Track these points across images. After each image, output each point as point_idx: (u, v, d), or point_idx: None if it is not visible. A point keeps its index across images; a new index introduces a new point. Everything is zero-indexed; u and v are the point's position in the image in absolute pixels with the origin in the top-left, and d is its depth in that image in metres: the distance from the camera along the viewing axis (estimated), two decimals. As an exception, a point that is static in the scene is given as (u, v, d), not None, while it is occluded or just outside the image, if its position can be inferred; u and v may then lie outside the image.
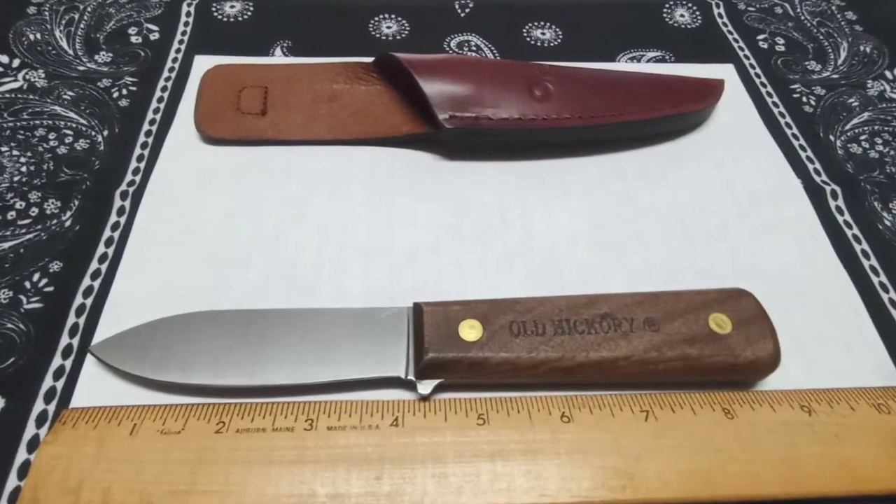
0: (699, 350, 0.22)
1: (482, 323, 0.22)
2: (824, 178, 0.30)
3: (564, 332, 0.22)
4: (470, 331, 0.22)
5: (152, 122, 0.30)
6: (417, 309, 0.23)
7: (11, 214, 0.26)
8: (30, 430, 0.21)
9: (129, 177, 0.28)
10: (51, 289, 0.24)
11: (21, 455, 0.20)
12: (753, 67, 0.36)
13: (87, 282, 0.24)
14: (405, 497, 0.19)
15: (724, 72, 0.35)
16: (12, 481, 0.20)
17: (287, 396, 0.21)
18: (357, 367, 0.22)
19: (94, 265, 0.25)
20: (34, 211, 0.27)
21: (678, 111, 0.31)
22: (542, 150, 0.30)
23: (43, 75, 0.32)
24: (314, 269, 0.25)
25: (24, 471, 0.20)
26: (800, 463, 0.20)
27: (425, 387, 0.21)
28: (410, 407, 0.21)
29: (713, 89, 0.32)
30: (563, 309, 0.22)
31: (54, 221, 0.26)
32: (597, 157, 0.30)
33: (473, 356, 0.21)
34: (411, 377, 0.21)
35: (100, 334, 0.23)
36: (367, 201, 0.28)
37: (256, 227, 0.27)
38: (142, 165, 0.29)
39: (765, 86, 0.35)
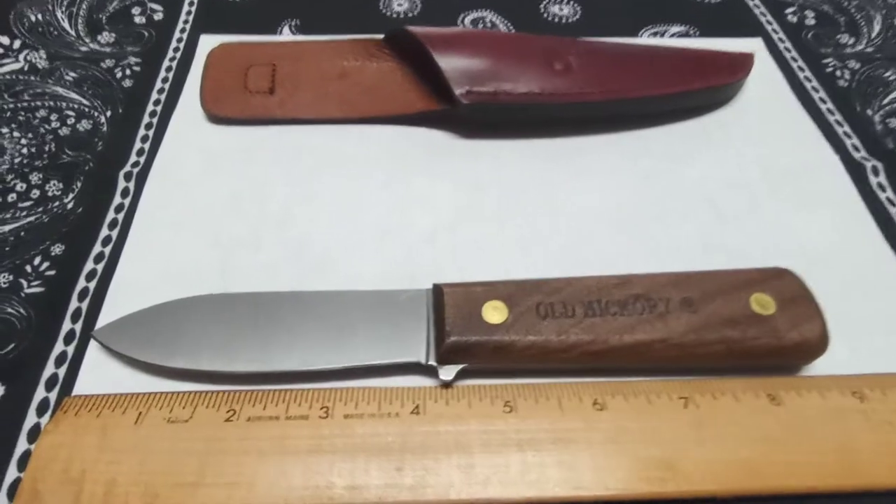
0: (741, 332, 0.20)
1: (507, 304, 0.20)
2: (864, 153, 0.29)
3: (595, 313, 0.20)
4: (494, 313, 0.20)
5: (157, 102, 0.29)
6: (437, 290, 0.21)
7: (12, 197, 0.25)
8: (30, 418, 0.20)
9: (133, 158, 0.27)
10: (52, 272, 0.23)
11: (21, 445, 0.19)
12: (783, 41, 0.34)
13: (90, 265, 0.23)
14: (428, 489, 0.18)
15: (752, 46, 0.33)
16: (12, 472, 0.19)
17: (301, 383, 0.20)
18: (375, 352, 0.20)
19: (97, 248, 0.24)
20: (35, 193, 0.25)
21: (706, 85, 0.29)
22: (562, 127, 0.29)
23: (44, 56, 0.31)
24: (326, 251, 0.24)
25: (24, 461, 0.19)
26: (853, 452, 0.19)
27: (447, 372, 0.20)
28: (432, 394, 0.20)
29: (743, 63, 0.31)
30: (594, 290, 0.21)
31: (56, 204, 0.25)
32: (620, 134, 0.29)
33: (499, 340, 0.20)
34: (432, 362, 0.20)
35: (103, 319, 0.22)
36: (381, 181, 0.27)
37: (265, 208, 0.25)
38: (146, 146, 0.28)
39: (795, 60, 0.33)
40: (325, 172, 0.27)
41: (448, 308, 0.20)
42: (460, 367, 0.20)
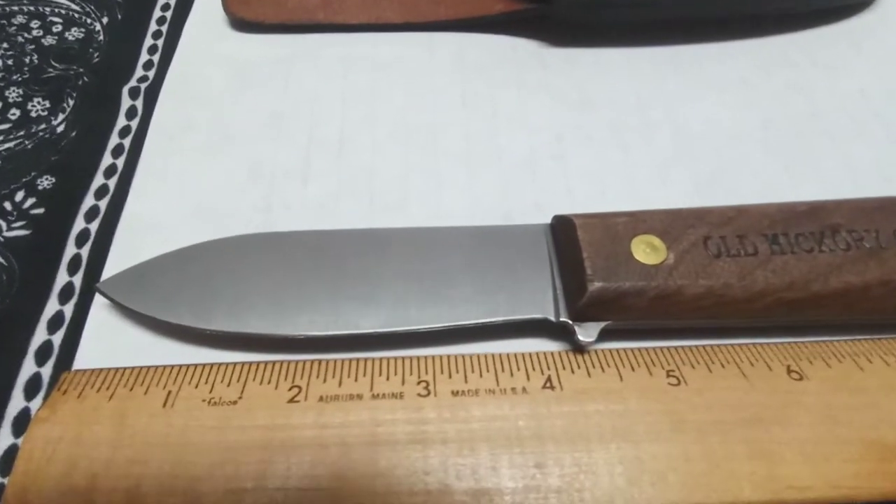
0: None
1: (664, 240, 0.15)
2: None
3: (784, 250, 0.15)
4: (648, 251, 0.15)
5: (165, 7, 0.23)
6: (563, 223, 0.16)
7: (-16, 118, 0.20)
8: (16, 402, 0.14)
9: (139, 72, 0.21)
10: (40, 210, 0.17)
11: (4, 438, 0.14)
12: (919, -60, 0.29)
13: (89, 201, 0.18)
14: (585, 493, 0.13)
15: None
16: (-7, 477, 0.13)
17: (387, 349, 0.15)
18: (485, 306, 0.15)
19: (98, 180, 0.18)
20: (14, 113, 0.20)
21: (853, -21, 0.24)
22: (678, 30, 0.23)
23: (21, -45, 0.25)
24: (398, 181, 0.19)
25: (8, 461, 0.14)
26: None
27: (588, 332, 0.15)
28: (566, 362, 0.15)
29: (889, -43, 0.25)
30: (777, 219, 0.15)
31: (42, 126, 0.19)
32: (749, 40, 0.23)
33: (660, 286, 0.14)
34: (565, 319, 0.15)
35: (111, 268, 0.16)
36: (459, 97, 0.21)
37: (316, 131, 0.20)
38: (155, 58, 0.22)
39: (938, -39, 0.28)
40: (388, 89, 0.21)
41: (585, 245, 0.15)
42: (604, 324, 0.15)
